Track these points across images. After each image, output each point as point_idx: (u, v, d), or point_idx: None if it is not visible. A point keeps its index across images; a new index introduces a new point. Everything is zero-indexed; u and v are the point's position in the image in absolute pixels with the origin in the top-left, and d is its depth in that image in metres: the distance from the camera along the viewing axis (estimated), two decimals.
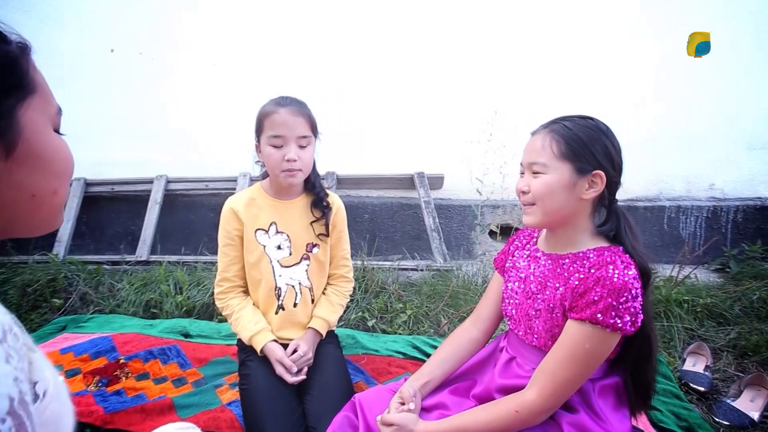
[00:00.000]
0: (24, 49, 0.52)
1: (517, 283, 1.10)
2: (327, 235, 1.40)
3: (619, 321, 0.87)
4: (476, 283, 2.21)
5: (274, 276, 1.35)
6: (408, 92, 2.81)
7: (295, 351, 1.28)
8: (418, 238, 2.93)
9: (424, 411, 1.08)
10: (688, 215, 2.87)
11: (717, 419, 1.37)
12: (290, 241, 1.37)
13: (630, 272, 0.89)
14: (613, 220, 0.99)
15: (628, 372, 1.01)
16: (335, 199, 1.45)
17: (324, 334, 1.39)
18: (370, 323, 1.85)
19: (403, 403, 1.05)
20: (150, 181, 2.75)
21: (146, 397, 1.39)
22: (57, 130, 0.57)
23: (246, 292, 1.40)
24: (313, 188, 1.40)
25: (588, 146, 0.93)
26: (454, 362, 1.16)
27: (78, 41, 2.79)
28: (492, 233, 2.75)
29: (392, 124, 2.86)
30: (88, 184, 2.78)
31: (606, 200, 0.98)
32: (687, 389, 1.52)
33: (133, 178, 2.80)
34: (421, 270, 2.38)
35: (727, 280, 2.40)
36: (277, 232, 1.36)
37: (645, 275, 0.93)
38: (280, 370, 1.24)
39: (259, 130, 1.29)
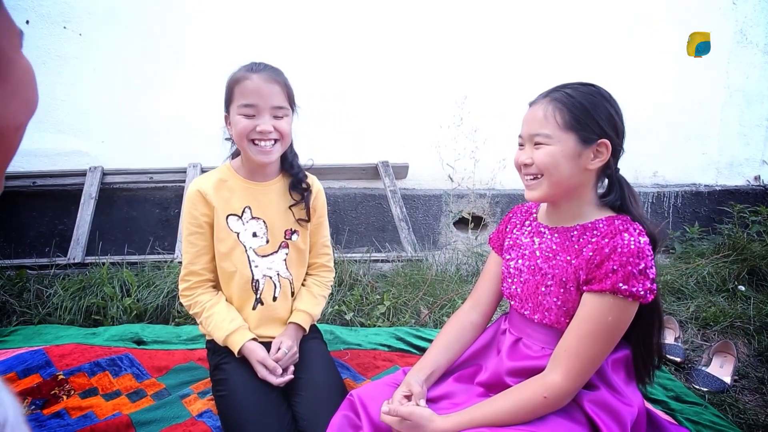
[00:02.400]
0: None
1: (521, 261, 1.05)
2: (307, 221, 1.27)
3: (640, 288, 0.84)
4: (450, 271, 2.17)
5: (250, 267, 1.20)
6: (372, 77, 2.70)
7: (279, 350, 1.14)
8: (383, 230, 2.85)
9: (431, 402, 1.00)
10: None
11: (697, 386, 1.42)
12: (267, 228, 1.22)
13: (642, 239, 0.87)
14: (616, 189, 0.96)
15: (637, 343, 0.99)
16: (314, 181, 1.33)
17: (307, 329, 1.26)
18: (347, 317, 1.74)
19: (408, 397, 0.96)
20: (82, 174, 2.40)
21: (96, 416, 1.17)
22: None
23: (216, 287, 1.23)
24: (291, 168, 1.27)
25: (592, 114, 0.90)
26: (457, 348, 1.10)
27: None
28: (462, 221, 2.73)
29: (355, 111, 2.74)
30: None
31: (609, 169, 0.95)
32: (663, 361, 1.57)
33: (59, 170, 2.44)
34: (392, 261, 2.30)
35: (675, 259, 2.56)
36: (252, 217, 1.21)
37: (654, 242, 0.92)
38: (263, 372, 1.10)
39: (228, 100, 1.14)
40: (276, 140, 1.12)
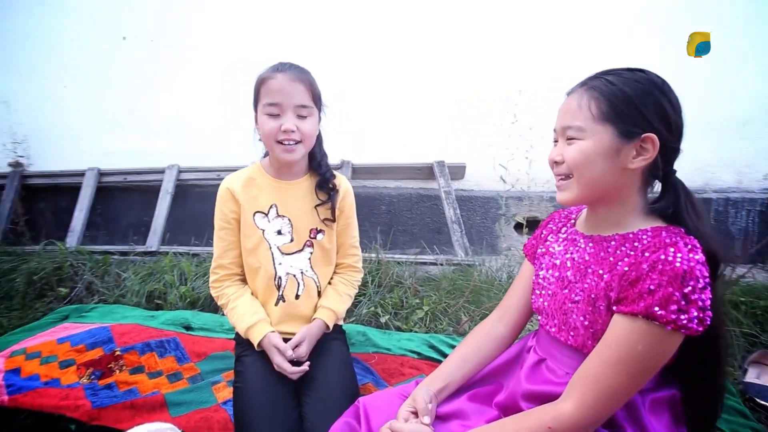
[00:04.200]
0: None
1: (550, 271, 0.94)
2: (333, 221, 1.27)
3: (683, 317, 0.69)
4: (500, 278, 2.03)
5: (274, 264, 1.22)
6: (426, 75, 2.64)
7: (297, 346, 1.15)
8: (439, 231, 2.77)
9: (440, 420, 0.93)
10: (738, 209, 2.60)
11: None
12: (292, 226, 1.24)
13: (696, 256, 0.70)
14: (670, 195, 0.80)
15: (688, 383, 0.83)
16: (343, 181, 1.31)
17: (331, 327, 1.25)
18: (383, 319, 1.71)
19: (414, 413, 0.90)
20: (161, 171, 2.68)
21: (138, 392, 1.29)
22: None
23: (244, 280, 1.28)
24: (319, 168, 1.26)
25: (636, 104, 0.75)
26: (476, 363, 1.00)
27: (89, 29, 2.75)
28: (519, 226, 2.56)
29: (411, 109, 2.70)
30: (101, 174, 2.75)
31: (660, 171, 0.80)
32: (752, 405, 1.31)
33: (145, 168, 2.75)
34: (441, 264, 2.22)
35: None
36: (278, 215, 1.23)
37: (714, 262, 0.75)
38: (278, 360, 1.10)
39: (256, 100, 1.17)
40: (298, 141, 1.13)
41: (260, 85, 1.13)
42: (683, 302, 0.69)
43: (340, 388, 1.11)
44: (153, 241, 2.40)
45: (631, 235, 0.80)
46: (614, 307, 0.77)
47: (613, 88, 0.77)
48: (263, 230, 1.22)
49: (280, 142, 1.12)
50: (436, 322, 1.73)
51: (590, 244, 0.86)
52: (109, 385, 1.31)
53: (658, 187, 0.84)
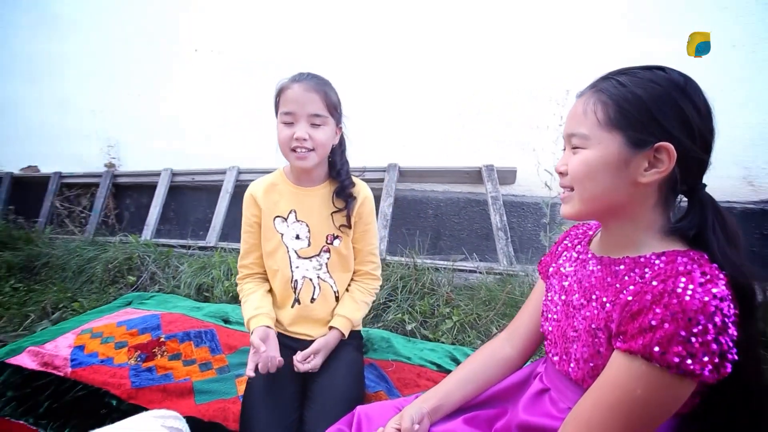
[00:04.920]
0: None
1: (558, 295, 0.86)
2: (348, 227, 1.28)
3: (690, 361, 0.59)
4: None
5: (291, 267, 1.27)
6: (474, 76, 2.55)
7: (309, 356, 1.18)
8: (487, 238, 2.67)
9: None
10: None
11: None
12: (309, 231, 1.27)
13: (715, 290, 0.59)
14: (695, 213, 0.68)
15: None
16: (362, 189, 1.32)
17: (347, 334, 1.27)
18: (409, 327, 1.69)
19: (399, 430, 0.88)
20: (223, 172, 2.91)
21: (173, 377, 1.41)
22: None
23: (266, 279, 1.34)
24: (338, 176, 1.28)
25: (649, 108, 0.65)
26: (477, 384, 0.94)
27: (160, 40, 3.06)
28: None
29: (459, 111, 2.63)
30: (173, 174, 3.04)
31: (680, 186, 0.69)
32: None
33: (210, 168, 2.99)
34: (480, 273, 2.14)
35: None
36: (296, 220, 1.27)
37: (745, 297, 0.63)
38: (251, 357, 1.11)
39: (276, 108, 1.22)
40: (311, 149, 1.15)
41: (279, 94, 1.18)
42: (691, 344, 0.59)
43: (342, 394, 1.12)
44: (211, 237, 2.62)
45: (642, 260, 0.70)
46: (613, 342, 0.69)
47: (623, 91, 0.67)
48: (282, 234, 1.27)
49: (294, 150, 1.15)
50: (464, 334, 1.68)
51: (598, 267, 0.78)
52: (149, 368, 1.45)
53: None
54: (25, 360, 1.46)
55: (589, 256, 0.82)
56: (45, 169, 3.59)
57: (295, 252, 1.27)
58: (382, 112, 2.58)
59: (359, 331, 1.40)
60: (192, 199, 3.14)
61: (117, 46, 3.21)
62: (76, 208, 3.25)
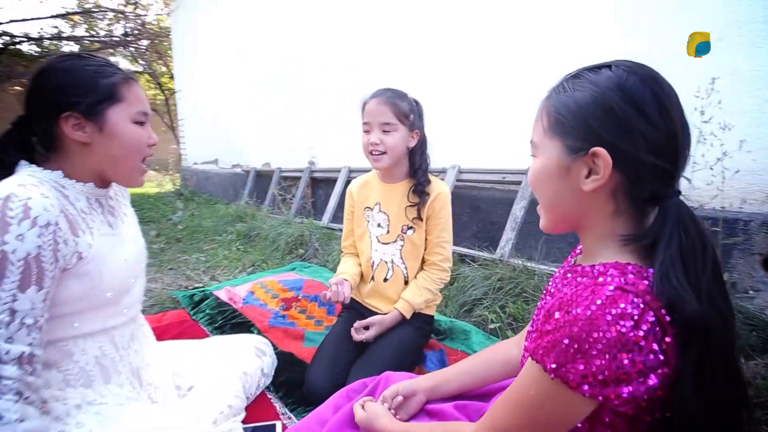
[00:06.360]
0: (127, 77, 0.94)
1: (546, 299, 0.86)
2: (420, 220, 1.44)
3: (569, 371, 0.56)
4: None
5: (371, 250, 1.52)
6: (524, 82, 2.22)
7: (367, 327, 1.41)
8: None
9: (425, 414, 1.00)
10: None
11: None
12: (389, 221, 1.49)
13: (621, 305, 0.54)
14: (657, 223, 0.62)
15: None
16: (438, 187, 1.46)
17: (408, 316, 1.44)
18: (492, 326, 1.70)
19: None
20: (338, 170, 3.46)
21: (296, 325, 1.85)
22: (139, 123, 0.95)
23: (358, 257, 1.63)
24: (415, 175, 1.46)
25: (582, 112, 0.62)
26: (474, 378, 0.99)
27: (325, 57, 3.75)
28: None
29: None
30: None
31: (642, 192, 0.62)
32: None
33: (331, 167, 3.67)
34: None
35: None
36: (380, 211, 1.51)
37: (682, 323, 0.55)
38: (326, 293, 1.39)
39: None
40: (383, 152, 1.37)
41: (362, 108, 1.43)
42: (571, 354, 0.56)
43: (383, 361, 1.30)
44: (325, 219, 3.14)
45: (588, 269, 0.68)
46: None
47: (562, 96, 0.65)
48: (368, 222, 1.53)
49: (371, 153, 1.40)
50: None
51: (567, 275, 0.76)
52: (284, 315, 1.94)
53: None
54: (222, 294, 2.16)
55: (568, 265, 0.80)
56: (273, 165, 4.82)
57: (376, 238, 1.51)
58: (446, 116, 2.54)
59: (431, 317, 1.54)
60: (319, 189, 3.78)
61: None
62: (287, 196, 4.27)
